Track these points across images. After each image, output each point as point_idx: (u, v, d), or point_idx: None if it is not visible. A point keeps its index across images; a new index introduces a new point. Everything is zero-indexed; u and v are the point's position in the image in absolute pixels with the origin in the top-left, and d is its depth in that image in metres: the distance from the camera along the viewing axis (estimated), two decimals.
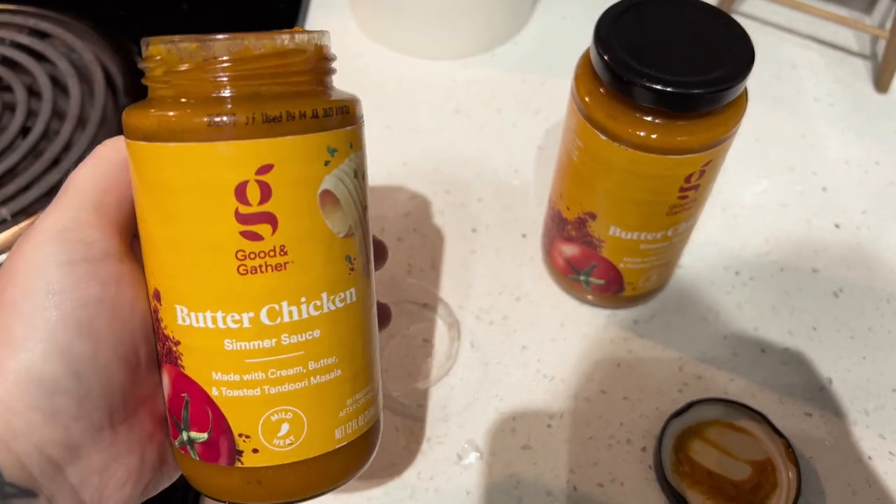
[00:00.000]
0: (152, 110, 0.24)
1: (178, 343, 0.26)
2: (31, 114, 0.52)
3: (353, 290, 0.27)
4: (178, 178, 0.24)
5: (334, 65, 0.27)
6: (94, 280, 0.25)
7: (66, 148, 0.50)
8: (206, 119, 0.23)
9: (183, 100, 0.24)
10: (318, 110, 0.25)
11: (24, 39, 0.55)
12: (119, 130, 0.52)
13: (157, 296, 0.26)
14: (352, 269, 0.27)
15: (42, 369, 0.24)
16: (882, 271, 0.47)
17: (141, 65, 0.26)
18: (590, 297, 0.44)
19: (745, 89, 0.35)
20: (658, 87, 0.32)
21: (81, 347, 0.25)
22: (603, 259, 0.40)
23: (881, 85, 0.57)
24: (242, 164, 0.24)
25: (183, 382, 0.26)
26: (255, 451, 0.26)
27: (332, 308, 0.26)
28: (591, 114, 0.35)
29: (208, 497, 0.28)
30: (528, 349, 0.43)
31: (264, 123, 0.24)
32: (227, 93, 0.24)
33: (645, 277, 0.42)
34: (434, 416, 0.41)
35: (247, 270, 0.24)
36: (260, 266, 0.25)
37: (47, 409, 0.24)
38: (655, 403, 0.41)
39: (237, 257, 0.24)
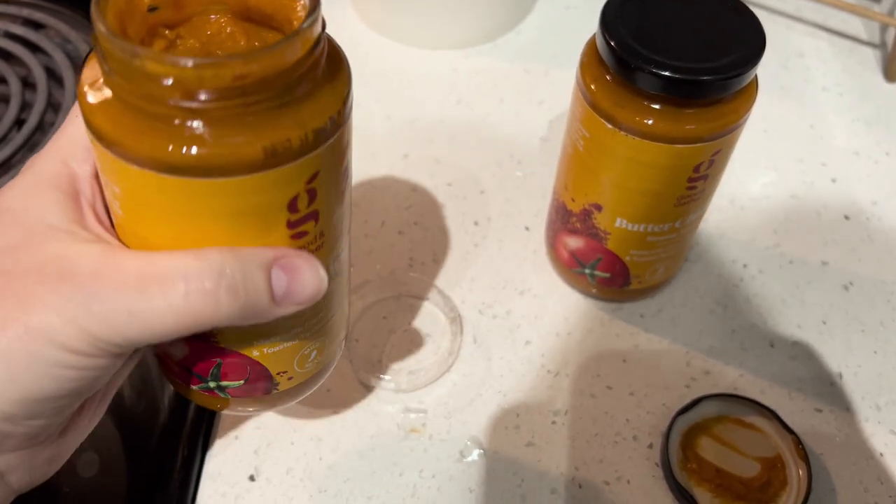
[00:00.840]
0: (175, 136, 0.20)
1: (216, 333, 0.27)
2: (26, 105, 0.51)
3: (344, 245, 0.28)
4: (226, 208, 0.22)
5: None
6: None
7: None
8: (261, 149, 0.21)
9: (202, 121, 0.21)
10: (343, 108, 0.23)
11: (19, 30, 0.54)
12: None
13: None
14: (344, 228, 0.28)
15: None
16: (893, 264, 0.46)
17: (135, 87, 0.20)
18: (595, 290, 0.43)
19: (756, 76, 0.34)
20: (666, 73, 0.31)
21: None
22: (608, 252, 0.39)
23: (890, 74, 0.56)
24: (295, 181, 0.23)
25: (216, 352, 0.27)
26: (290, 378, 0.30)
27: (340, 268, 0.28)
28: (597, 102, 0.34)
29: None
30: (532, 344, 0.42)
31: (314, 139, 0.22)
32: (258, 104, 0.21)
33: (652, 270, 0.41)
34: (436, 413, 0.40)
35: None
36: None
37: None
38: (662, 399, 0.40)
39: None
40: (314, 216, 0.24)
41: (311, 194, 0.24)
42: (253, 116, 0.21)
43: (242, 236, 0.23)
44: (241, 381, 0.28)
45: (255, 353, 0.27)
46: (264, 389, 0.29)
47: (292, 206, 0.23)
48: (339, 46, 0.25)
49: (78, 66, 0.52)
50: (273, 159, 0.21)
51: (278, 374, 0.29)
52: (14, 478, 0.26)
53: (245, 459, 0.38)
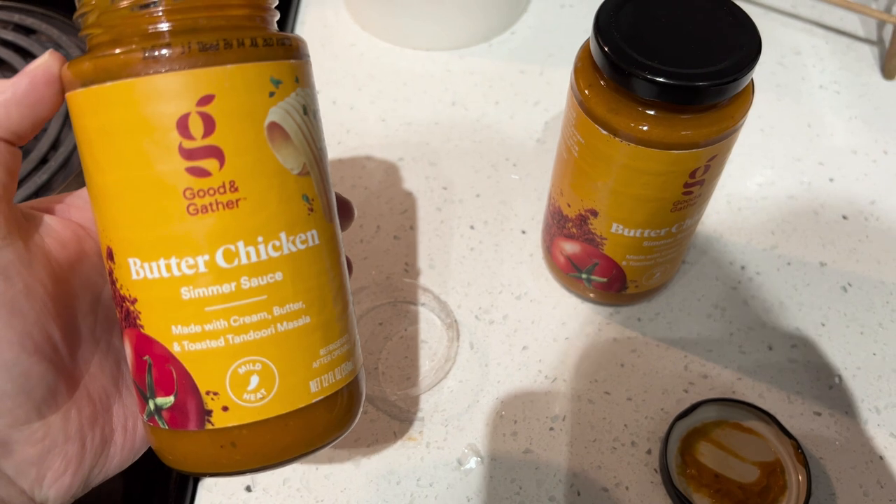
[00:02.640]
0: (90, 55, 0.24)
1: (134, 301, 0.25)
2: None
3: (314, 232, 0.26)
4: (120, 116, 0.23)
5: (275, 6, 0.27)
6: None
7: (54, 146, 0.49)
8: (140, 52, 0.23)
9: (119, 40, 0.24)
10: (258, 39, 0.24)
11: (9, 35, 0.54)
12: None
13: (110, 255, 0.25)
14: (311, 210, 0.26)
15: None
16: (892, 264, 0.46)
17: (75, 17, 0.25)
18: (591, 295, 0.43)
19: (752, 80, 0.33)
20: (661, 79, 0.31)
21: None
22: (605, 257, 0.39)
23: (888, 72, 0.56)
24: (182, 95, 0.23)
25: (144, 344, 0.25)
26: (225, 408, 0.25)
27: (293, 249, 0.25)
28: (592, 107, 0.33)
29: (182, 472, 0.26)
30: (529, 349, 0.42)
31: (201, 52, 0.23)
32: (163, 27, 0.23)
33: (648, 275, 0.40)
34: (433, 420, 0.39)
35: (197, 209, 0.23)
36: (210, 204, 0.24)
37: None
38: (660, 404, 0.40)
39: (185, 195, 0.23)
40: (215, 153, 0.23)
41: (207, 122, 0.23)
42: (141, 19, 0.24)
43: (139, 155, 0.23)
44: (172, 398, 0.25)
45: (175, 348, 0.24)
46: (196, 417, 0.25)
47: (182, 127, 0.23)
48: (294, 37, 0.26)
49: None
50: (154, 63, 0.23)
51: (207, 392, 0.25)
52: (26, 485, 0.25)
53: None
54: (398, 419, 0.40)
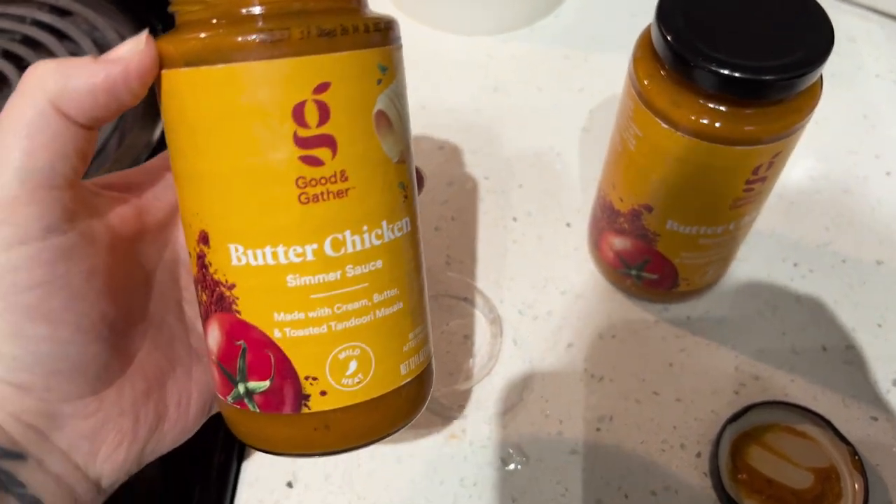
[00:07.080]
0: (193, 33, 0.22)
1: (232, 286, 0.24)
2: None
3: (407, 219, 0.26)
4: (230, 102, 0.22)
5: None
6: (35, 263, 0.23)
7: None
8: (259, 35, 0.22)
9: (224, 20, 0.22)
10: (369, 24, 0.24)
11: (46, 17, 0.53)
12: (145, 112, 0.51)
13: (205, 238, 0.24)
14: (405, 197, 0.26)
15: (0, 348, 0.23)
16: None
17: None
18: (640, 291, 0.42)
19: (821, 74, 0.32)
20: (727, 71, 0.29)
21: (36, 331, 0.23)
22: (657, 253, 0.38)
23: None
24: (299, 82, 0.22)
25: (239, 329, 0.25)
26: (324, 393, 0.25)
27: (392, 237, 0.25)
28: (651, 99, 0.32)
29: (269, 452, 0.27)
30: (575, 346, 0.41)
31: (320, 38, 0.22)
32: (273, 8, 0.22)
33: (701, 273, 0.39)
34: (476, 419, 0.39)
35: (308, 199, 0.23)
36: (322, 193, 0.23)
37: (15, 383, 0.24)
38: (710, 405, 0.39)
39: (298, 185, 0.23)
40: (328, 142, 0.23)
41: (322, 110, 0.23)
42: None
43: (251, 143, 0.23)
44: (267, 382, 0.25)
45: (276, 334, 0.24)
46: (293, 401, 0.25)
47: (298, 115, 0.22)
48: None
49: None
50: (272, 47, 0.22)
51: (306, 378, 0.25)
52: (80, 459, 0.25)
53: (283, 466, 0.37)
54: (441, 416, 0.39)
